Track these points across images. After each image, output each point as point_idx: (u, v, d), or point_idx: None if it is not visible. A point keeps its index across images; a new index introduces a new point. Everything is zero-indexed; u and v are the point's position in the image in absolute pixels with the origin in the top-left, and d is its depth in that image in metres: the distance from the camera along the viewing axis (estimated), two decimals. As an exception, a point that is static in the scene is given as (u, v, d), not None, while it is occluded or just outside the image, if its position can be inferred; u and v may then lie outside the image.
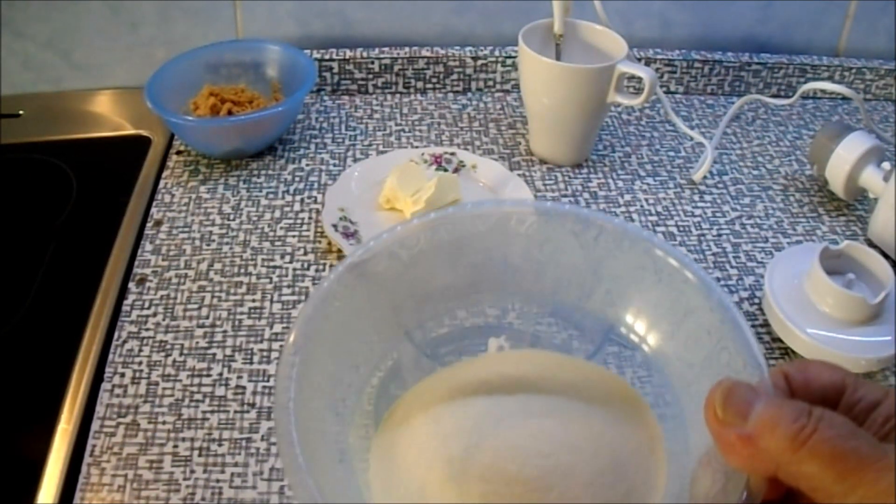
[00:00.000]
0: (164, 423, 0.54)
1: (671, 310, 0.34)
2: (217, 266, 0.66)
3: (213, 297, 0.63)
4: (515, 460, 0.32)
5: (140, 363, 0.58)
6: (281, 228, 0.70)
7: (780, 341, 0.60)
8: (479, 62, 0.88)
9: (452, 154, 0.77)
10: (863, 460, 0.24)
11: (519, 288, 0.39)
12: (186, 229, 0.70)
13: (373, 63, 0.87)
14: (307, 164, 0.78)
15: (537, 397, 0.36)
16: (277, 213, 0.72)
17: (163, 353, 0.59)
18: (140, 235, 0.69)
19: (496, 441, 0.33)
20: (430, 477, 0.33)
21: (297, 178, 0.76)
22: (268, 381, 0.57)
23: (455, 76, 0.88)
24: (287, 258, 0.67)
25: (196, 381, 0.57)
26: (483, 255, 0.38)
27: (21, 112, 0.85)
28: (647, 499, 0.31)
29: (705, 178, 0.78)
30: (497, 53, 0.88)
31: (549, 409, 0.35)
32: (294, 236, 0.69)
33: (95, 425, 0.54)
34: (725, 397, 0.26)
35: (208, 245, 0.68)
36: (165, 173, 0.76)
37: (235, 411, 0.55)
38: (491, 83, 0.89)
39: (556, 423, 0.34)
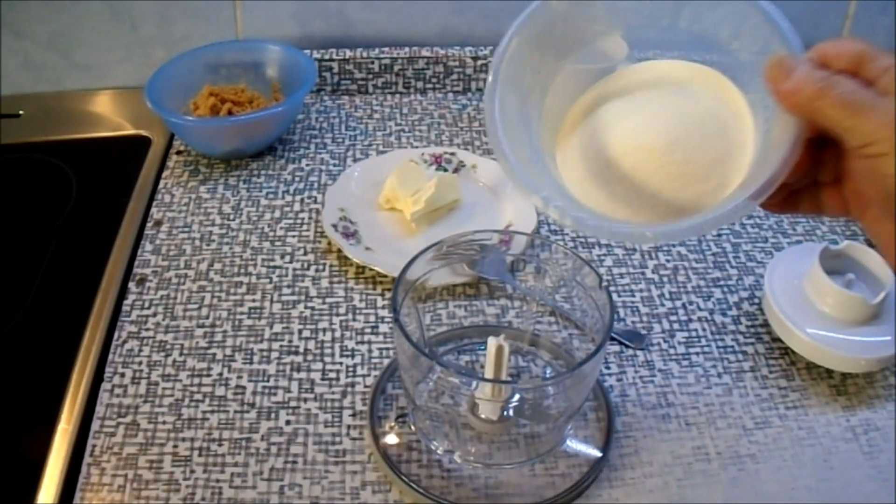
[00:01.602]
0: (164, 423, 0.54)
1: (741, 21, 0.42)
2: (217, 266, 0.66)
3: (213, 297, 0.63)
4: (647, 134, 0.43)
5: (140, 363, 0.58)
6: (281, 228, 0.70)
7: (780, 341, 0.60)
8: (479, 62, 0.88)
9: (452, 154, 0.77)
10: (867, 102, 0.35)
11: None
12: (186, 229, 0.70)
13: (373, 63, 0.87)
14: (307, 164, 0.78)
15: (652, 89, 0.47)
16: (277, 213, 0.72)
17: (163, 353, 0.59)
18: (140, 235, 0.69)
19: (624, 126, 0.45)
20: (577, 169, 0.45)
21: (297, 178, 0.76)
22: (268, 381, 0.57)
23: (455, 76, 0.88)
24: (287, 258, 0.67)
25: (196, 381, 0.57)
26: None
27: (21, 112, 0.85)
28: (743, 154, 0.41)
29: (705, 178, 0.78)
30: (497, 53, 0.88)
31: (666, 91, 0.45)
32: (294, 236, 0.69)
33: (95, 425, 0.54)
34: (779, 62, 0.38)
35: (208, 245, 0.68)
36: (165, 173, 0.76)
37: (235, 411, 0.55)
38: (491, 83, 0.89)
39: (673, 99, 0.44)
